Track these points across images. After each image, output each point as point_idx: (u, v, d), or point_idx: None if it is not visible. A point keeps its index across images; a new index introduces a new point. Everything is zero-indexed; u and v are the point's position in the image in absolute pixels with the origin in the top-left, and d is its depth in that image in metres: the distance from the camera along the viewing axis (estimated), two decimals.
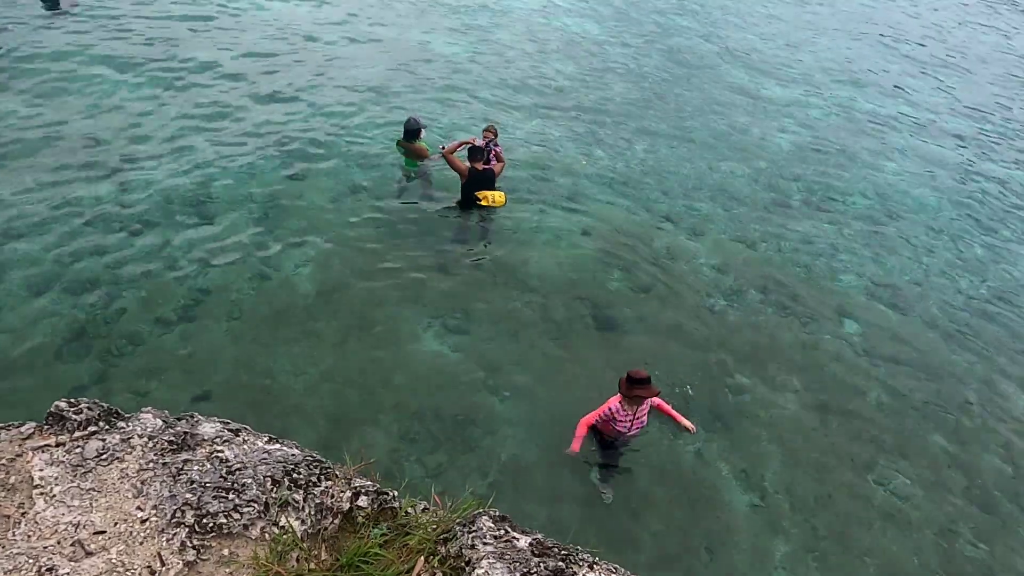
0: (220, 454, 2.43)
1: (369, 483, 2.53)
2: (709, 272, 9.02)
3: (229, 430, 2.61)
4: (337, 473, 2.56)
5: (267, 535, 2.20)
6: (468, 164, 8.82)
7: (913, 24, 21.64)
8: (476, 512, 2.61)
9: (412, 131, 9.45)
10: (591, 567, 2.38)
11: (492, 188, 8.94)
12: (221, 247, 7.92)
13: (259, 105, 10.77)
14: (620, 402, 5.81)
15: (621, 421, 5.89)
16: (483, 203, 8.87)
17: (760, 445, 6.85)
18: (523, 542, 2.41)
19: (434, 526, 2.50)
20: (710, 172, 11.31)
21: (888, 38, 19.96)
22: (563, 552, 2.41)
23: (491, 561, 2.25)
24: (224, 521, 2.16)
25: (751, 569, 5.79)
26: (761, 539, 6.03)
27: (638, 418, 5.93)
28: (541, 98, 12.66)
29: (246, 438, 2.60)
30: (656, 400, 6.10)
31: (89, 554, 1.99)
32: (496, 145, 9.30)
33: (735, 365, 7.64)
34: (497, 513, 2.66)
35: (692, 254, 9.27)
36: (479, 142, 8.95)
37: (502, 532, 2.46)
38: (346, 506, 2.42)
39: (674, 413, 6.26)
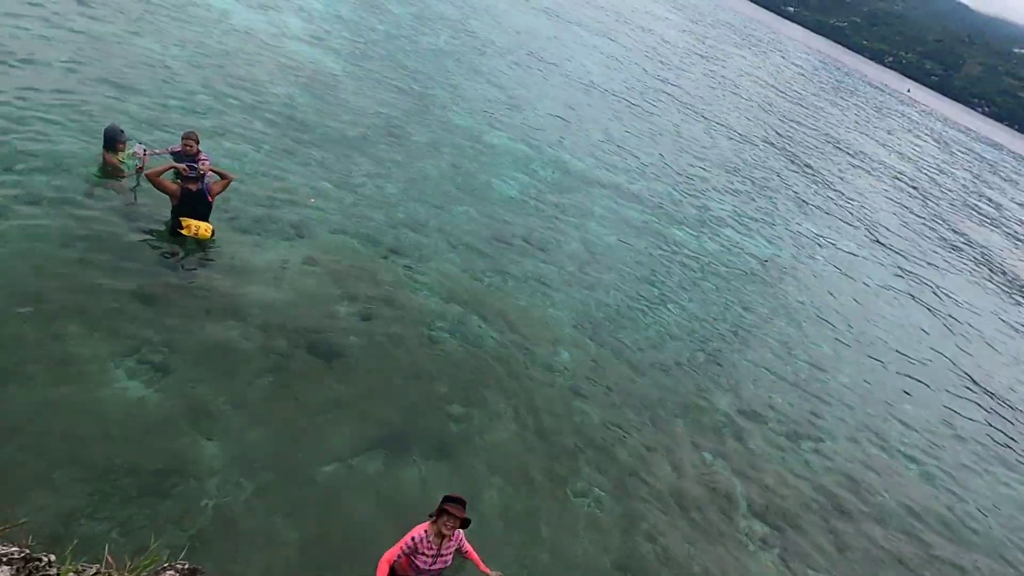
0: None
1: (15, 549, 2.09)
2: (433, 304, 9.37)
3: None
4: None
5: None
6: (179, 184, 8.03)
7: (631, 103, 25.42)
8: (161, 567, 2.33)
9: (109, 139, 8.45)
10: None
11: (205, 210, 8.22)
12: None
13: None
14: (426, 531, 5.18)
15: (423, 555, 5.22)
16: (185, 232, 8.08)
17: (479, 470, 7.21)
18: None
19: None
20: (437, 210, 11.84)
21: (613, 101, 23.16)
22: None
23: None
24: None
25: None
26: (483, 560, 6.30)
27: (443, 556, 5.31)
28: (268, 123, 12.10)
29: None
30: (466, 544, 5.55)
31: None
32: (203, 158, 8.40)
33: (456, 393, 8.00)
34: (187, 566, 2.41)
35: (417, 287, 9.55)
36: (176, 148, 8.21)
37: None
38: None
39: (479, 559, 5.60)
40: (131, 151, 8.68)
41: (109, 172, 8.69)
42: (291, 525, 5.77)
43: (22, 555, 2.06)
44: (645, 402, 9.53)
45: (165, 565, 2.31)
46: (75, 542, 2.99)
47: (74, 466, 5.42)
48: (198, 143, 8.59)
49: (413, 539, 5.19)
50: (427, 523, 5.25)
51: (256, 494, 5.86)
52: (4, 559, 2.01)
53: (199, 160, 8.31)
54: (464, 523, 5.20)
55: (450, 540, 5.31)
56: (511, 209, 13.21)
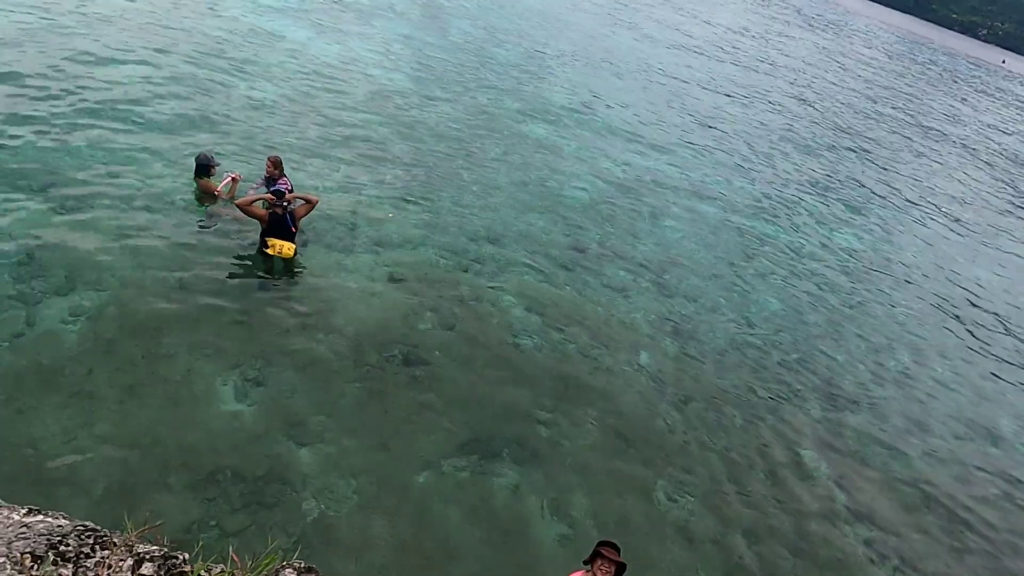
0: None
1: (155, 548, 2.31)
2: (515, 312, 9.48)
3: None
4: (116, 541, 2.31)
5: None
6: (267, 208, 8.55)
7: (703, 96, 24.97)
8: (279, 566, 2.50)
9: (202, 166, 9.21)
10: None
11: (288, 234, 8.71)
12: None
13: (22, 133, 9.49)
14: None
15: None
16: (270, 252, 8.62)
17: (567, 475, 7.23)
18: None
19: None
20: (514, 220, 11.98)
21: (683, 98, 22.82)
22: None
23: None
24: None
25: None
26: (570, 567, 6.31)
27: None
28: (347, 145, 12.62)
29: None
30: None
31: None
32: (282, 181, 9.08)
33: (541, 399, 8.06)
34: (303, 565, 2.57)
35: (498, 296, 9.69)
36: (257, 182, 8.90)
37: None
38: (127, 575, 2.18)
39: None
40: (223, 176, 9.48)
41: (204, 197, 9.36)
42: (386, 530, 5.98)
43: (161, 553, 2.27)
44: (733, 403, 9.28)
45: (283, 564, 2.47)
46: (200, 543, 3.25)
47: (187, 475, 5.83)
48: (278, 167, 9.23)
49: None
50: (581, 571, 5.07)
51: (352, 500, 6.11)
52: (147, 556, 2.22)
53: (279, 183, 8.96)
54: (620, 568, 4.95)
55: None
56: (585, 214, 13.20)
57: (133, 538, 2.38)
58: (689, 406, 8.92)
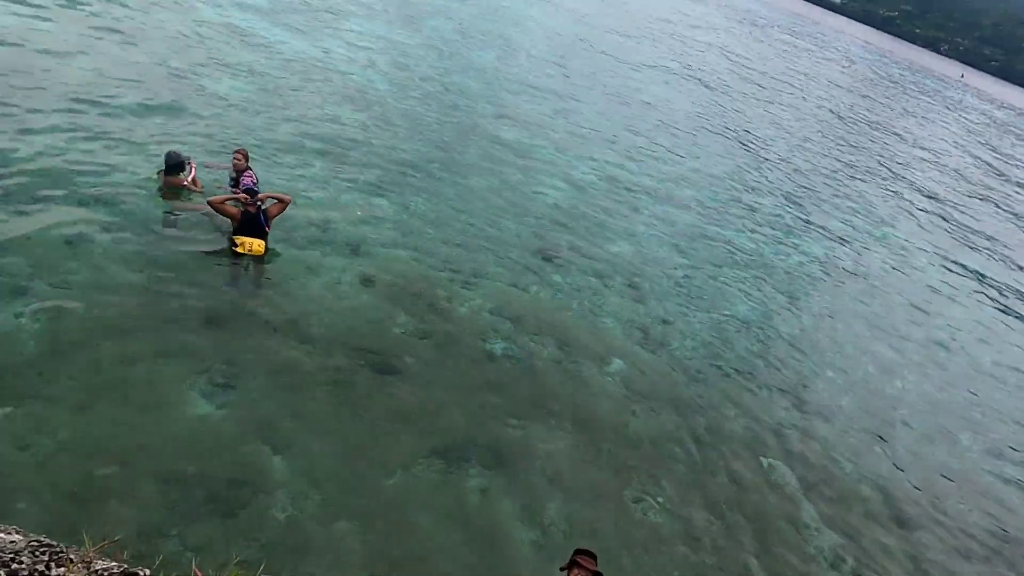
0: None
1: (114, 564, 2.21)
2: (487, 318, 9.44)
3: None
4: (73, 558, 2.21)
5: None
6: (239, 207, 8.40)
7: (677, 104, 25.23)
8: None
9: (173, 165, 9.03)
10: None
11: (262, 232, 8.58)
12: None
13: None
14: None
15: None
16: (240, 250, 8.51)
17: (539, 481, 7.21)
18: None
19: None
20: (486, 224, 11.94)
21: (655, 107, 23.03)
22: None
23: None
24: None
25: None
26: (543, 571, 6.30)
27: None
28: (322, 144, 12.46)
29: None
30: None
31: None
32: (247, 176, 8.98)
33: (512, 405, 8.03)
34: None
35: (471, 301, 9.64)
36: (224, 165, 8.81)
37: None
38: None
39: None
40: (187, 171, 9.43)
41: (172, 195, 9.15)
42: (357, 536, 5.89)
43: (120, 570, 2.18)
44: (701, 409, 9.36)
45: None
46: (161, 557, 3.14)
47: (150, 483, 5.66)
48: (246, 159, 9.17)
49: None
50: None
51: (323, 506, 6.01)
52: (106, 574, 2.13)
53: (244, 176, 8.92)
54: None
55: None
56: (559, 220, 13.22)
57: (91, 554, 2.28)
58: (658, 413, 8.97)
